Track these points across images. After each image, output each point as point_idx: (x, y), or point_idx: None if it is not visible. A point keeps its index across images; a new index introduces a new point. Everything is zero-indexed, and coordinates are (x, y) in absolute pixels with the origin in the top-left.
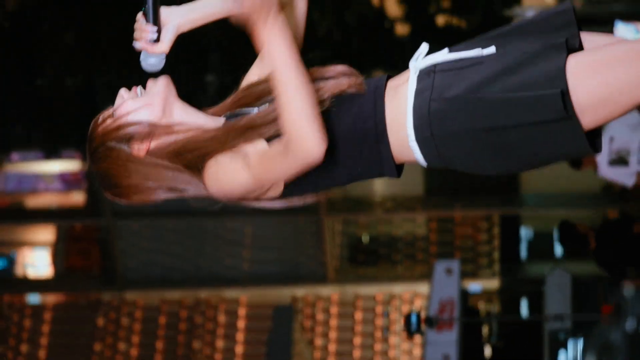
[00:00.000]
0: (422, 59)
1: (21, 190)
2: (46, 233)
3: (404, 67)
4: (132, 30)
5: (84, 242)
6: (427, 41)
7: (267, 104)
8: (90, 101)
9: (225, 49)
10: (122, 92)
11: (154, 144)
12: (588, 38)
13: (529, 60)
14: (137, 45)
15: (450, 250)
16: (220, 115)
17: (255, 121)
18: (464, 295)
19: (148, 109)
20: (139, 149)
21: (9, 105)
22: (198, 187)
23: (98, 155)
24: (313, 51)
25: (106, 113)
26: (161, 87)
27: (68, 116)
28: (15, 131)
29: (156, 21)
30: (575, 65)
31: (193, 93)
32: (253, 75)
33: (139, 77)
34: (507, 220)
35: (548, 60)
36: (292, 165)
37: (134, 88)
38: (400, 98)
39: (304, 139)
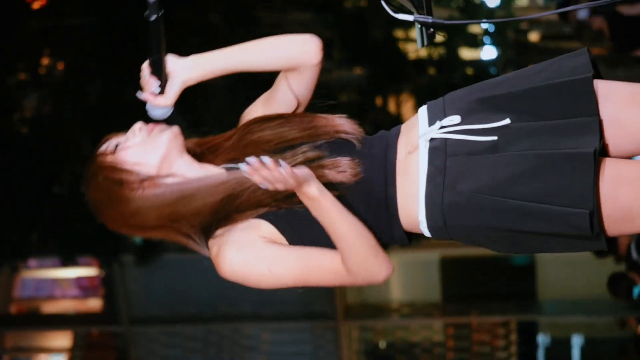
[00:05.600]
0: (434, 132)
1: (38, 296)
2: (63, 339)
3: None
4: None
5: (100, 348)
6: None
7: None
8: None
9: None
10: (137, 127)
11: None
12: (611, 106)
13: (554, 164)
14: (141, 96)
15: (467, 356)
16: (215, 160)
17: (247, 183)
18: None
19: (145, 164)
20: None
21: (26, 211)
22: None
23: (89, 184)
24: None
25: (113, 142)
26: (164, 142)
27: (84, 223)
28: (32, 238)
29: (160, 74)
30: (605, 175)
31: None
32: (255, 114)
33: None
34: (524, 326)
35: (575, 171)
36: (352, 283)
37: (150, 126)
38: (411, 175)
39: (374, 274)
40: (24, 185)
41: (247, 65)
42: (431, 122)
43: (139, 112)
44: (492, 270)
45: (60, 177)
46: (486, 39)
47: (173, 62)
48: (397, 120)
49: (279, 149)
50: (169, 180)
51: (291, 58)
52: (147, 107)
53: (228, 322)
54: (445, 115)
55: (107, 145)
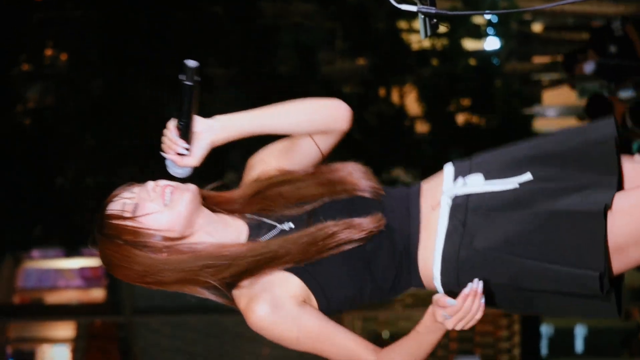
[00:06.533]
0: (457, 188)
1: (41, 287)
2: (66, 329)
3: (424, 165)
4: (149, 131)
5: (103, 339)
6: (447, 139)
7: (290, 223)
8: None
9: (246, 147)
10: (150, 187)
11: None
12: (630, 166)
13: (565, 222)
14: (166, 156)
15: (470, 347)
16: (235, 211)
17: (281, 252)
18: None
19: (168, 231)
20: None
21: (29, 202)
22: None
23: (104, 240)
24: (332, 150)
25: (128, 203)
26: (186, 206)
27: (88, 214)
28: (36, 229)
29: (188, 136)
30: (615, 211)
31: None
32: (269, 165)
33: (157, 176)
34: (528, 317)
35: (586, 230)
36: None
37: (162, 188)
38: (432, 231)
39: None
40: (27, 177)
41: (276, 129)
42: (455, 178)
43: (140, 106)
44: None
45: (63, 168)
46: (489, 30)
47: (201, 123)
48: (400, 111)
49: (297, 204)
50: (193, 239)
51: (322, 125)
52: (168, 164)
53: (230, 313)
54: (470, 172)
55: (122, 206)
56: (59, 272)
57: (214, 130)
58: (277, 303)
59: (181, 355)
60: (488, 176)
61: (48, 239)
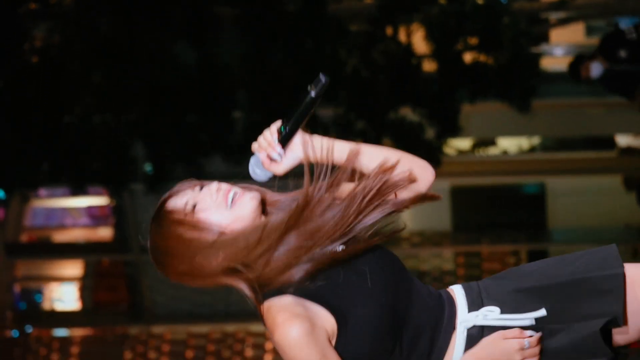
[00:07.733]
0: (474, 319)
1: (49, 226)
2: (74, 268)
3: (431, 104)
4: (157, 71)
5: (111, 277)
6: (455, 79)
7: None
8: (117, 138)
9: (252, 85)
10: (214, 188)
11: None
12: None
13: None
14: (257, 153)
15: None
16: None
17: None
18: None
19: (226, 228)
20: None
21: (37, 141)
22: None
23: (162, 231)
24: (340, 89)
25: (189, 203)
26: (248, 212)
27: (95, 153)
28: (43, 167)
29: (286, 144)
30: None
31: (220, 130)
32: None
33: (165, 116)
34: (535, 255)
35: None
36: None
37: (225, 192)
38: (448, 354)
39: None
40: (34, 115)
41: (364, 169)
42: (470, 307)
43: (147, 46)
44: (503, 199)
45: (70, 106)
46: None
47: (302, 137)
48: (407, 50)
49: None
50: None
51: None
52: (253, 162)
53: None
54: (483, 304)
55: (183, 203)
56: (66, 210)
57: (309, 147)
58: (314, 330)
59: (189, 292)
60: (503, 309)
61: (55, 178)
